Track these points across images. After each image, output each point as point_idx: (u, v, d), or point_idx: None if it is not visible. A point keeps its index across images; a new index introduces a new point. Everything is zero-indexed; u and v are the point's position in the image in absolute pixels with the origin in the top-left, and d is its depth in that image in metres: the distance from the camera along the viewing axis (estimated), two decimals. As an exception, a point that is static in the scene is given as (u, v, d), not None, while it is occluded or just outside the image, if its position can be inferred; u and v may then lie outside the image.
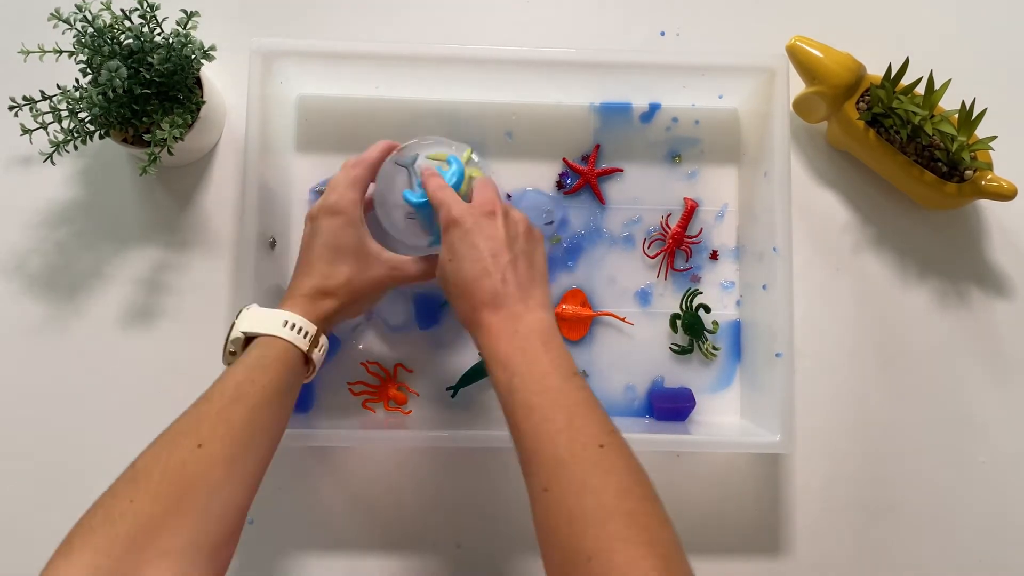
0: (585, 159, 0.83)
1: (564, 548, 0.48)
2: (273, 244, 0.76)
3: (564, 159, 0.83)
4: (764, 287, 0.77)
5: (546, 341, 0.57)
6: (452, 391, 0.79)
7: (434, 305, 0.80)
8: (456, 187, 0.67)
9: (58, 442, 0.78)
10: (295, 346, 0.63)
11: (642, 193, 0.83)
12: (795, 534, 0.80)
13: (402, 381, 0.80)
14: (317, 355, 0.66)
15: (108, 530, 0.48)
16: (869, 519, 0.81)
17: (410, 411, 0.79)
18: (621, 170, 0.83)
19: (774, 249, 0.75)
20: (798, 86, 0.81)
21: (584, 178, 0.82)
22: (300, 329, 0.64)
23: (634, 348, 0.81)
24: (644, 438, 0.73)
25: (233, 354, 0.64)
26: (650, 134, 0.84)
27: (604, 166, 0.83)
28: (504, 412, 0.55)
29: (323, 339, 0.67)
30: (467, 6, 0.86)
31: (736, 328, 0.82)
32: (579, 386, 0.55)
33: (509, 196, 0.82)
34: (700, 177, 0.84)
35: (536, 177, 0.82)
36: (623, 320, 0.81)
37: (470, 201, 0.64)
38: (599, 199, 0.82)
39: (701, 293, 0.81)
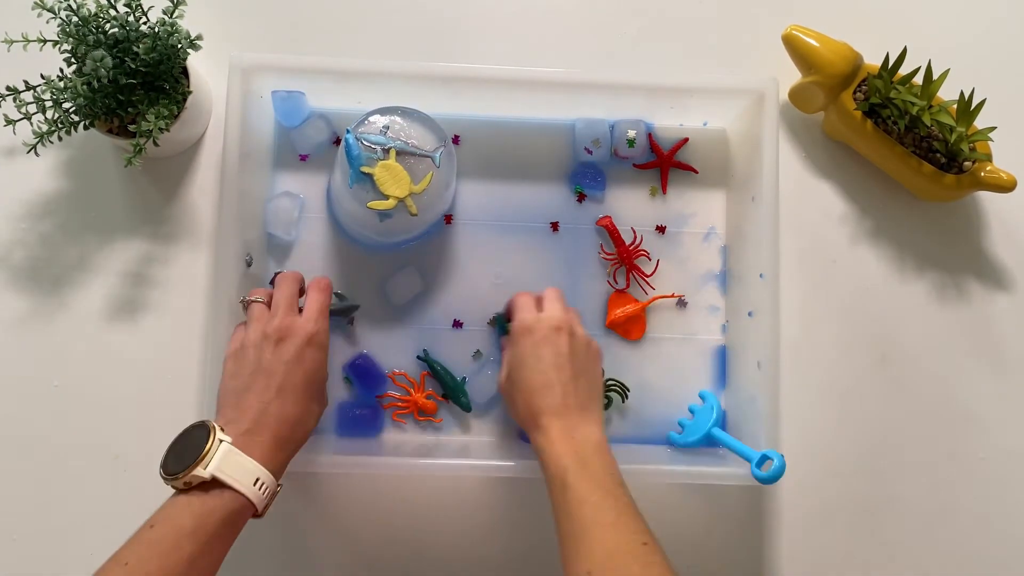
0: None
1: None
2: (249, 263, 0.74)
3: (649, 135, 0.81)
4: (750, 314, 0.76)
5: (600, 451, 0.62)
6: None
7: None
8: None
9: (42, 434, 0.77)
10: (254, 505, 0.59)
11: (628, 214, 0.81)
12: (791, 534, 0.79)
13: (429, 389, 0.78)
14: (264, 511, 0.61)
15: None
16: (866, 516, 0.80)
17: (441, 419, 0.78)
18: (696, 171, 0.82)
19: (760, 276, 0.74)
20: (794, 77, 0.80)
21: (659, 160, 0.81)
22: (265, 489, 0.59)
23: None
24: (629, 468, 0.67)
25: (188, 485, 0.57)
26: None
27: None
28: (553, 502, 0.61)
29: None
30: (451, 24, 0.84)
31: (722, 354, 0.81)
32: (626, 493, 0.60)
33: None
34: (688, 199, 0.82)
35: (525, 197, 0.81)
36: (675, 296, 0.80)
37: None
38: (663, 187, 0.82)
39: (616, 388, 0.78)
